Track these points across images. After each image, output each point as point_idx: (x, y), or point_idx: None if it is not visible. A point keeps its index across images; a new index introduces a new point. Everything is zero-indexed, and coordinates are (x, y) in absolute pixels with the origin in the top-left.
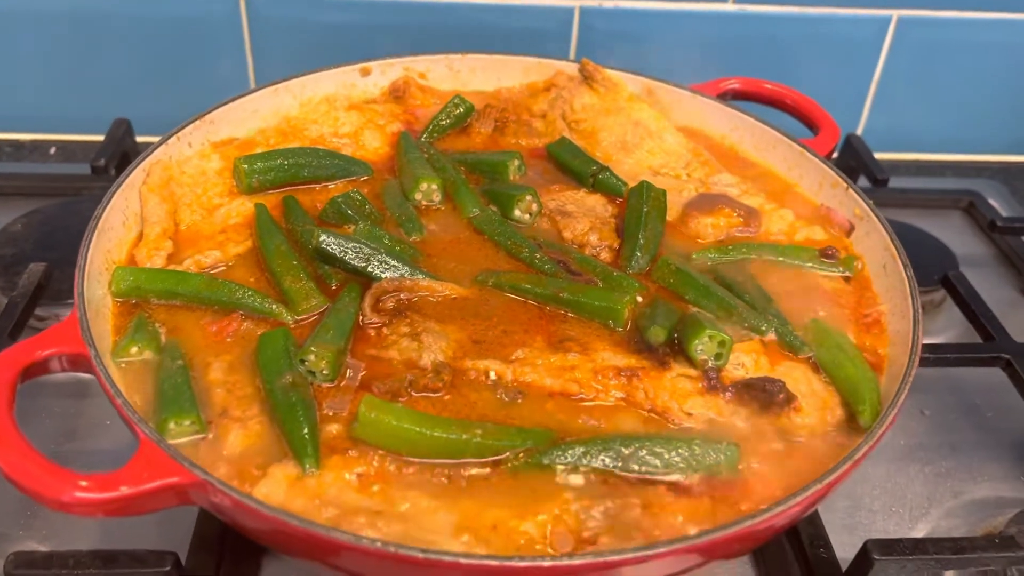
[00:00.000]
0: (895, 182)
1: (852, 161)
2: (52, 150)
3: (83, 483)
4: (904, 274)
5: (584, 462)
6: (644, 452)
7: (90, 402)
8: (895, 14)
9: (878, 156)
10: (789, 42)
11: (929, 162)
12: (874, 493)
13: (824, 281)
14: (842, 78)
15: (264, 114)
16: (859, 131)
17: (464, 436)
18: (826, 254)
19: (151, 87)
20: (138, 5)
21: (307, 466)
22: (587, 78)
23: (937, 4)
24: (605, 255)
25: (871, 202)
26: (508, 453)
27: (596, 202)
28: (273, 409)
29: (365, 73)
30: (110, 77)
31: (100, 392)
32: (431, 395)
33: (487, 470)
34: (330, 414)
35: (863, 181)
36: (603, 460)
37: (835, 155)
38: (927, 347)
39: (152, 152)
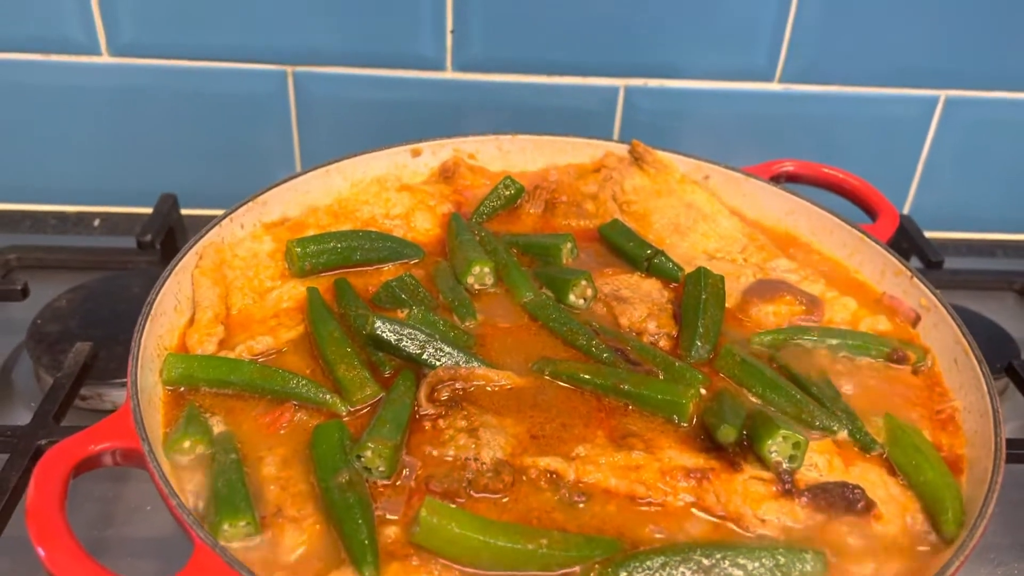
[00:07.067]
0: (946, 263)
1: (904, 243)
2: (96, 222)
3: None
4: (979, 370)
5: None
6: (727, 563)
7: (128, 486)
8: (943, 94)
9: (926, 235)
10: (835, 121)
11: (978, 241)
12: None
13: (893, 374)
14: (888, 157)
15: (316, 195)
16: (906, 210)
17: (530, 547)
18: (894, 358)
19: (196, 161)
20: (186, 82)
21: (367, 575)
22: (637, 159)
23: (985, 85)
24: (664, 343)
25: (938, 292)
26: (578, 567)
27: (652, 287)
28: (329, 509)
29: (416, 154)
30: (156, 151)
31: (139, 476)
32: (491, 496)
33: None
34: (386, 516)
35: (915, 262)
36: (683, 573)
37: None
38: None
39: (205, 235)
